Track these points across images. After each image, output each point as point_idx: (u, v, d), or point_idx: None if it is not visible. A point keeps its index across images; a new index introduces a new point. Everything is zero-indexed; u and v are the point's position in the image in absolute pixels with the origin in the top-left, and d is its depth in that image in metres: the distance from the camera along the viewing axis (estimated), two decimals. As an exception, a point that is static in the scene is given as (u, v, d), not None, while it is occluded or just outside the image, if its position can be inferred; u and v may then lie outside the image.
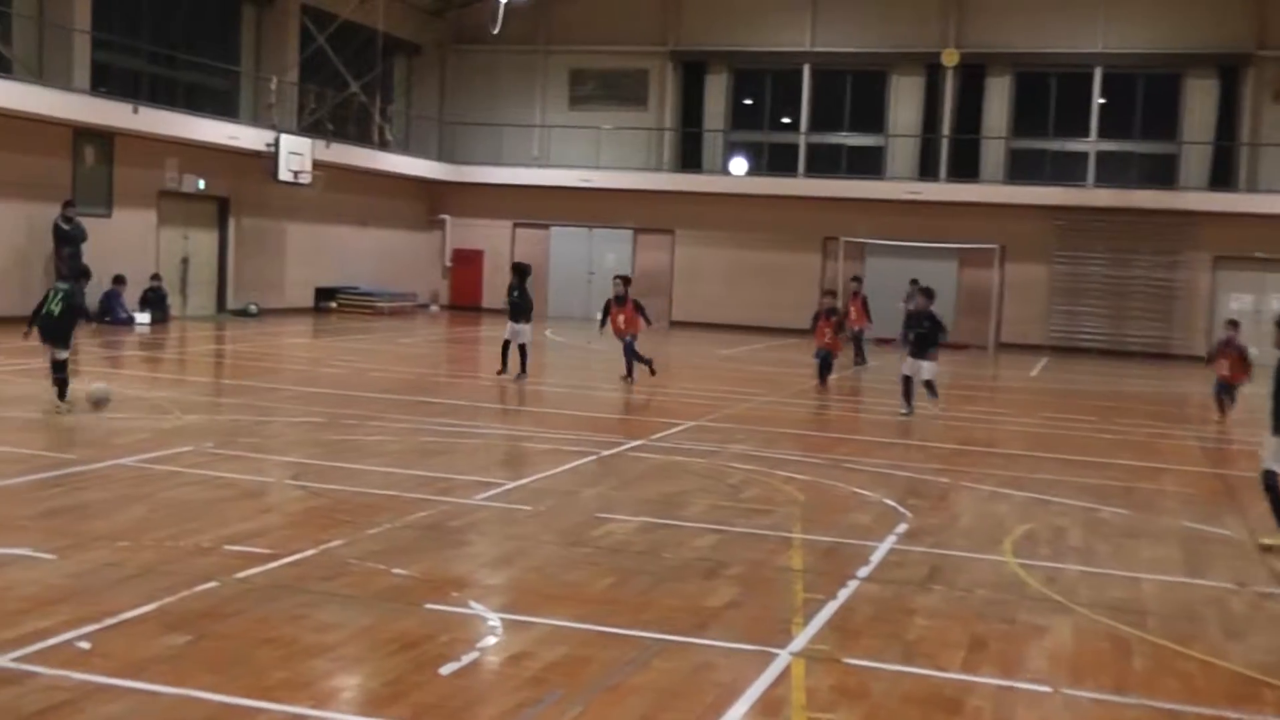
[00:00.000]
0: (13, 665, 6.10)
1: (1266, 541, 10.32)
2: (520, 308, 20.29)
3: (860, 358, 26.35)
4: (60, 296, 14.73)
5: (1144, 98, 36.05)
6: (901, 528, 10.41)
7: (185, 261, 30.47)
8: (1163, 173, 35.94)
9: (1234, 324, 20.42)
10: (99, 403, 14.61)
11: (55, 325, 14.45)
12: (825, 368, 21.79)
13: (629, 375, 21.07)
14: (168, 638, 6.64)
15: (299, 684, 6.10)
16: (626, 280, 22.29)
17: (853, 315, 25.90)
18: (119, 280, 27.10)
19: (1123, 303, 34.69)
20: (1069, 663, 7.12)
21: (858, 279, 27.94)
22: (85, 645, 6.44)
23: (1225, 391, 19.47)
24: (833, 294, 24.58)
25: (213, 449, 12.35)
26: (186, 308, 30.27)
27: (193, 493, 10.27)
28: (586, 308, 38.48)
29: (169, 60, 30.68)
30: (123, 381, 18.39)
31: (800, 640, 7.19)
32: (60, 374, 14.30)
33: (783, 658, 6.84)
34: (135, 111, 26.85)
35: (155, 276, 28.28)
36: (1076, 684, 6.74)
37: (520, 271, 20.99)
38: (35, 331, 14.60)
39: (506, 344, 20.25)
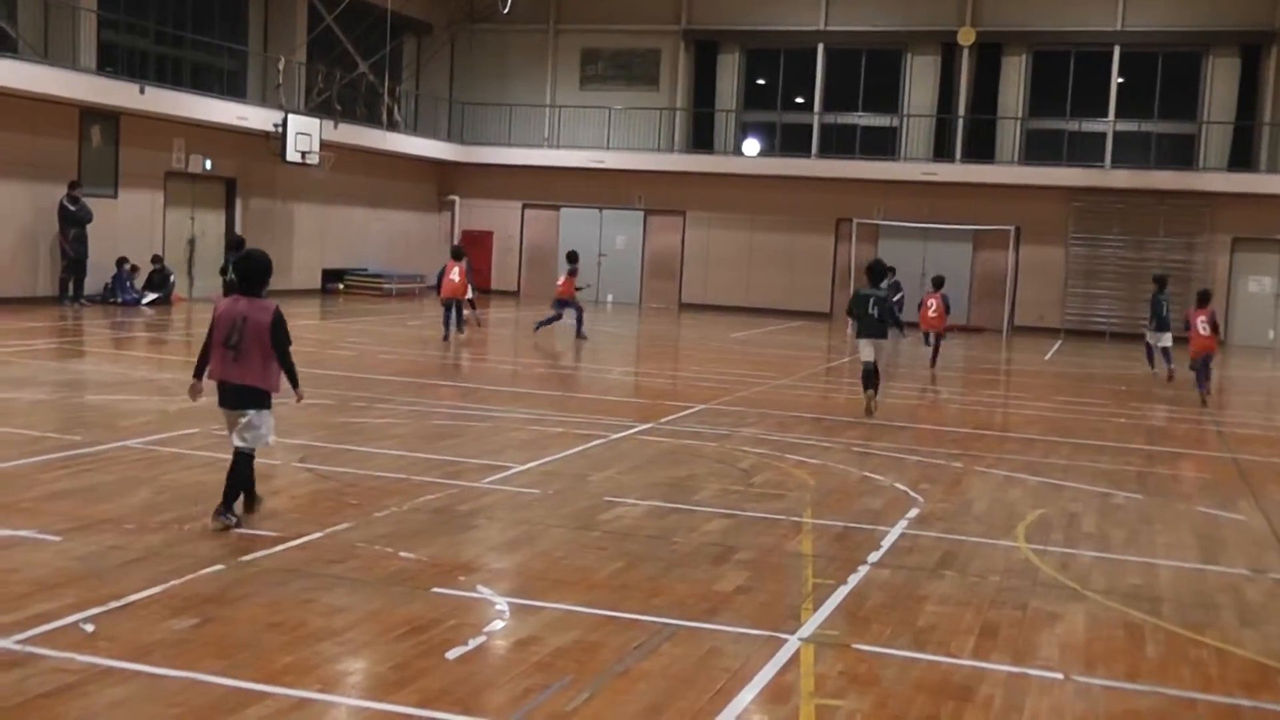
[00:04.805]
0: (16, 648, 6.06)
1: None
2: None
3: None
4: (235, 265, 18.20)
5: (1163, 77, 35.75)
6: (913, 513, 10.35)
7: (192, 243, 30.43)
8: (1182, 153, 35.75)
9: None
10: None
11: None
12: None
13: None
14: (173, 621, 6.60)
15: (305, 668, 6.06)
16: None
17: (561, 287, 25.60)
18: (122, 264, 27.16)
19: (1139, 286, 34.34)
20: (1081, 650, 7.05)
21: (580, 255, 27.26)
22: (90, 628, 6.40)
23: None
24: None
25: (219, 431, 12.23)
26: (193, 289, 30.24)
27: (199, 475, 10.22)
28: (597, 290, 38.49)
29: (176, 40, 30.62)
30: (129, 363, 18.38)
31: (810, 626, 7.13)
32: None
33: (792, 643, 6.79)
34: (142, 92, 26.79)
35: (156, 258, 28.23)
36: (1089, 671, 6.68)
37: None
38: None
39: None
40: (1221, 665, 6.93)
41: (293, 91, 32.39)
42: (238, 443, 8.63)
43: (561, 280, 25.61)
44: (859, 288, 16.64)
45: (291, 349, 8.83)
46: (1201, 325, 20.21)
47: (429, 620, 6.85)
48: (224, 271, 20.80)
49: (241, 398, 8.63)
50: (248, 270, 8.91)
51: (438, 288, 24.29)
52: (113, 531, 8.27)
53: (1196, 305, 20.85)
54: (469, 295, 24.66)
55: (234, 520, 8.50)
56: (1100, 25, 35.33)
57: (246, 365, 8.57)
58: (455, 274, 23.45)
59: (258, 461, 8.91)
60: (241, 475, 8.70)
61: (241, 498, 8.77)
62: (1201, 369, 19.96)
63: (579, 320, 25.22)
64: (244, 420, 8.63)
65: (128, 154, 27.94)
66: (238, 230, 30.05)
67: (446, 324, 23.43)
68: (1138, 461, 13.89)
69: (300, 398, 9.10)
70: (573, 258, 26.03)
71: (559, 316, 25.36)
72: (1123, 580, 8.61)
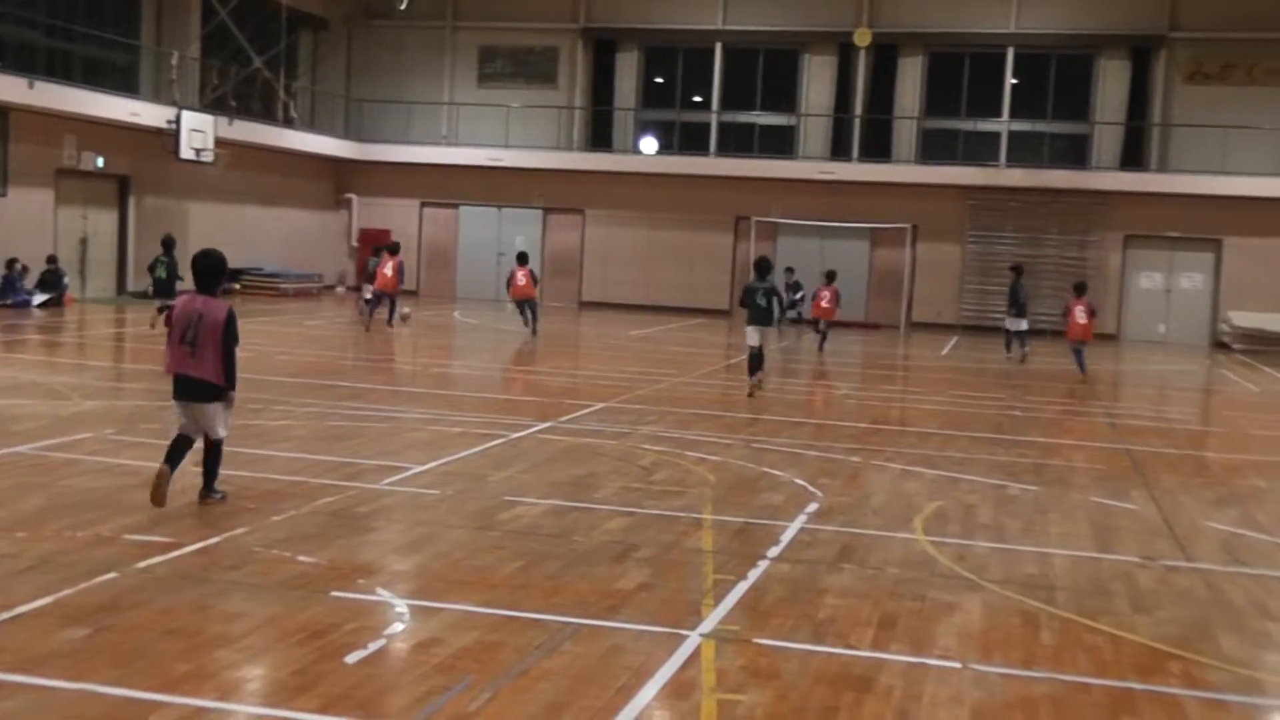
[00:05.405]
0: (-100, 662, 5.91)
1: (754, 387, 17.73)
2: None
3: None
4: (164, 266, 21.01)
5: (1056, 78, 36.46)
6: (812, 507, 10.43)
7: (84, 242, 29.85)
8: (1074, 153, 36.52)
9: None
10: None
11: (165, 286, 20.83)
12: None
13: None
14: (67, 631, 6.47)
15: (203, 676, 5.97)
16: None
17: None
18: (12, 264, 26.56)
19: (1034, 282, 34.91)
20: (978, 639, 7.16)
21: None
22: (-22, 640, 6.25)
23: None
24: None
25: (113, 435, 12.09)
26: (86, 290, 29.65)
27: (92, 481, 10.05)
28: (496, 288, 38.34)
29: (66, 33, 29.95)
30: (19, 366, 17.98)
31: (711, 622, 7.16)
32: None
33: (693, 639, 6.81)
34: (31, 86, 26.20)
35: (51, 259, 27.65)
36: (986, 659, 6.78)
37: None
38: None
39: None
40: (1115, 650, 7.08)
41: (187, 87, 31.85)
42: (221, 433, 9.39)
43: (522, 280, 26.42)
44: (749, 282, 18.37)
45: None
46: (1079, 313, 22.85)
47: (328, 624, 6.78)
48: (152, 269, 21.51)
49: (198, 391, 9.24)
50: (202, 269, 9.67)
51: (371, 279, 26.55)
52: (3, 540, 8.08)
53: (1075, 295, 23.54)
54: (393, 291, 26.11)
55: (220, 495, 9.45)
56: (994, 27, 35.91)
57: (202, 361, 9.19)
58: (389, 269, 25.57)
59: (152, 467, 8.80)
60: (218, 459, 9.47)
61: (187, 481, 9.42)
62: (1078, 354, 22.89)
63: (533, 317, 26.58)
64: (211, 414, 9.27)
65: (17, 150, 27.32)
66: (131, 227, 29.59)
67: (391, 312, 25.88)
68: (1033, 453, 14.12)
69: (231, 400, 9.41)
70: (524, 258, 27.23)
71: (535, 307, 26.79)
72: (1019, 570, 8.76)
